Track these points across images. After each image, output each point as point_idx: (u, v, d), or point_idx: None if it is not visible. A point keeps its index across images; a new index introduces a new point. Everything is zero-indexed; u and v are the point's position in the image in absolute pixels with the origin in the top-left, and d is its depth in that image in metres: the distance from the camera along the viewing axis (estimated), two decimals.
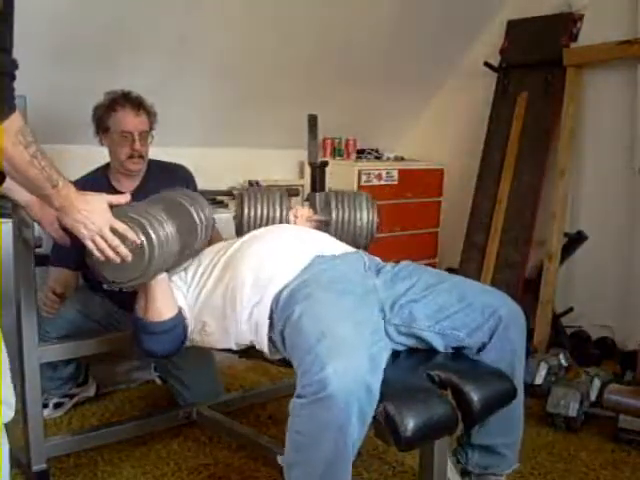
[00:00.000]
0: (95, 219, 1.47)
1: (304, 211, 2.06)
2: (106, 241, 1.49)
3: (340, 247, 1.81)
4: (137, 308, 1.74)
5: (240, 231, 1.99)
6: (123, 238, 1.52)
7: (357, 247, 1.94)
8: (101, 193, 1.54)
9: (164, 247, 1.55)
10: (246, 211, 1.98)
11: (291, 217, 2.01)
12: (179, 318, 1.71)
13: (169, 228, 1.58)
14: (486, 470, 1.75)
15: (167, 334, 1.69)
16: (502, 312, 1.61)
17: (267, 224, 1.96)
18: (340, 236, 1.98)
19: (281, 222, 1.98)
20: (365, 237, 2.05)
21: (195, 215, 1.76)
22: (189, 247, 1.74)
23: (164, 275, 1.68)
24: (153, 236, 1.53)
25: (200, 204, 1.80)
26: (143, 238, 1.52)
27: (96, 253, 1.51)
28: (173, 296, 1.71)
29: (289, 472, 1.41)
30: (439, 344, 1.63)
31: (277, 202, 2.00)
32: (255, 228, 1.95)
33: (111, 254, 1.51)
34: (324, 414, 1.30)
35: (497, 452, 1.72)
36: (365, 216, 2.03)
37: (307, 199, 2.26)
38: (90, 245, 1.49)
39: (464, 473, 1.77)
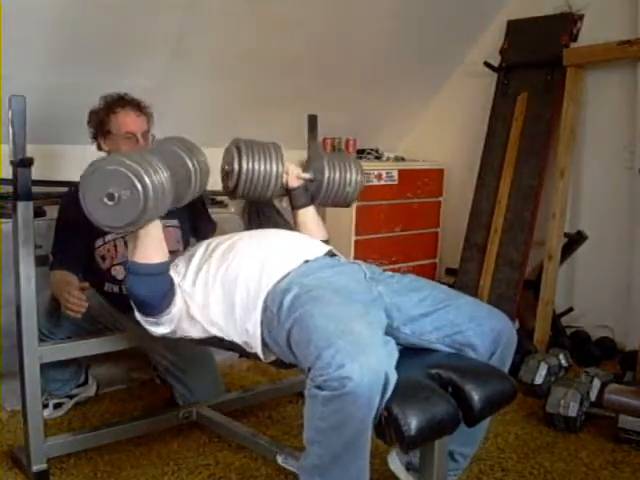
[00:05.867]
0: None
1: (294, 168, 2.04)
2: None
3: (325, 248, 1.85)
4: (128, 251, 1.75)
5: (236, 188, 1.91)
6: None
7: (344, 205, 2.13)
8: None
9: (158, 193, 1.59)
10: (244, 165, 1.89)
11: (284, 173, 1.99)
12: (166, 266, 1.73)
13: (163, 175, 1.61)
14: None
15: (153, 277, 1.70)
16: (505, 336, 1.68)
17: (264, 179, 1.91)
18: (329, 195, 2.07)
19: (277, 177, 1.92)
20: (351, 197, 2.12)
21: (189, 161, 1.74)
22: (183, 194, 1.76)
23: (157, 222, 1.70)
24: (148, 182, 1.55)
25: (194, 152, 1.78)
26: (139, 185, 1.55)
27: None
28: (164, 245, 1.73)
29: (310, 447, 1.45)
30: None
31: (273, 156, 1.94)
32: (252, 184, 1.90)
33: None
34: (348, 408, 1.34)
35: (452, 457, 1.73)
36: (354, 178, 2.09)
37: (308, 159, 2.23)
38: None
39: (409, 466, 1.79)
